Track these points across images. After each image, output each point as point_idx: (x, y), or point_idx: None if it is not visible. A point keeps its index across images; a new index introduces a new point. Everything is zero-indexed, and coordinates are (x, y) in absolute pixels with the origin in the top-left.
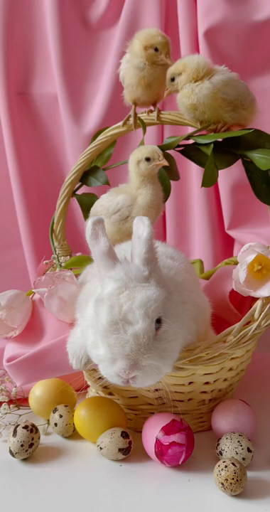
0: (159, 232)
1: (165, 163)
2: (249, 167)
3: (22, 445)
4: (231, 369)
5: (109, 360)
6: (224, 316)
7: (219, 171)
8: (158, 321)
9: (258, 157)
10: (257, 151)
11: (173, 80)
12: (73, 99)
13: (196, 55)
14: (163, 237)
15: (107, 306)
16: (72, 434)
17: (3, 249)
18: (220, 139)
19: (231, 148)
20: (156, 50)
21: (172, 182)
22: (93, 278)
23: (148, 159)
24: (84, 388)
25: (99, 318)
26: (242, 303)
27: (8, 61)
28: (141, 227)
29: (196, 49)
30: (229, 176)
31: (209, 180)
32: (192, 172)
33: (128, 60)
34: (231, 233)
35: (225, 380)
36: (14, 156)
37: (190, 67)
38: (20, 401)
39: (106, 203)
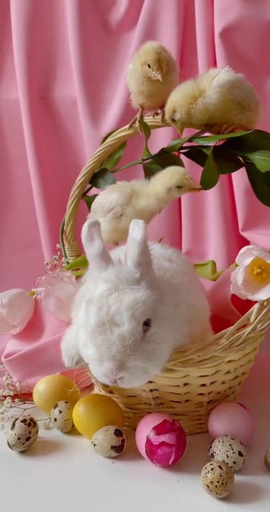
0: (175, 233)
1: (198, 186)
2: (251, 169)
3: (19, 438)
4: (228, 372)
5: (97, 360)
6: (228, 318)
7: (234, 172)
8: (147, 323)
9: (258, 159)
10: (259, 152)
11: (174, 120)
12: (91, 102)
13: (179, 86)
14: (178, 238)
15: (96, 307)
16: (71, 429)
17: (23, 249)
18: (224, 141)
19: (234, 150)
20: (149, 66)
21: None
22: (90, 279)
23: (179, 187)
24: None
25: (88, 318)
26: (247, 305)
27: (31, 65)
28: (136, 229)
29: (212, 49)
30: (244, 177)
31: (208, 183)
32: None
33: (131, 72)
34: (246, 235)
35: (223, 382)
36: (34, 158)
37: (179, 99)
38: (25, 396)
39: (102, 201)
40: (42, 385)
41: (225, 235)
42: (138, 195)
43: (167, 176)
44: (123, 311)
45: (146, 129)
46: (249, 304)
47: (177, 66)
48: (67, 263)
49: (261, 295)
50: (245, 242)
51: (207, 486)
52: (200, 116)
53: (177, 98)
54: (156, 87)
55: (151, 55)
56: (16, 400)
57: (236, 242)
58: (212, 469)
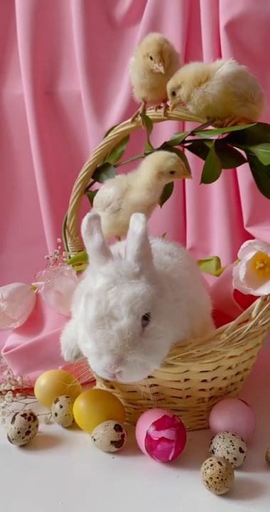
0: (180, 228)
1: (189, 176)
2: (254, 162)
3: (19, 432)
4: (230, 368)
5: (95, 354)
6: (231, 314)
7: (240, 167)
8: (146, 317)
9: (261, 151)
10: (262, 145)
11: (174, 93)
12: (96, 97)
13: (191, 64)
14: (183, 234)
15: (95, 302)
16: (72, 424)
17: (28, 245)
18: (227, 134)
19: (237, 143)
20: (151, 58)
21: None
22: (90, 273)
23: (172, 172)
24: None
25: (86, 312)
26: (251, 301)
27: (35, 61)
28: (136, 223)
29: (217, 42)
30: (248, 173)
31: (210, 177)
32: None
33: (133, 65)
34: (251, 230)
35: (225, 378)
36: (39, 154)
37: (188, 77)
38: (27, 390)
39: (101, 195)
40: (43, 380)
41: (230, 230)
42: (131, 189)
43: (156, 162)
44: (121, 305)
45: (148, 123)
46: (253, 299)
47: (180, 59)
48: (69, 257)
49: (264, 290)
50: (250, 237)
51: (207, 482)
52: (196, 103)
53: (185, 75)
54: (158, 79)
55: (153, 46)
56: (18, 394)
57: (241, 237)
58: (212, 465)
